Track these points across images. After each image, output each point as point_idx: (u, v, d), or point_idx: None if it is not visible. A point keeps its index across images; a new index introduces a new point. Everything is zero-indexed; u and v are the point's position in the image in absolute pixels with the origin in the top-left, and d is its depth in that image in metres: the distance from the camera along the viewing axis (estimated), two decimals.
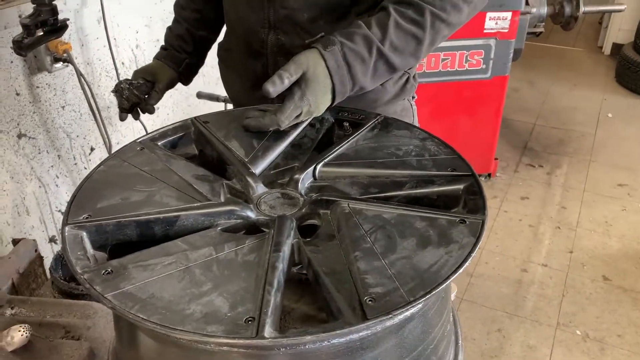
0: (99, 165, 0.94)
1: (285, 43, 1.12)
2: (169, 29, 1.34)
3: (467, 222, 0.80)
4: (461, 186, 0.88)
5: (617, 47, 4.80)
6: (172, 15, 1.36)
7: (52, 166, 1.92)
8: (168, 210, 0.82)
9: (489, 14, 2.60)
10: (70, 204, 0.84)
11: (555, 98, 4.30)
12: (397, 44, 0.99)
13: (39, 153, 1.86)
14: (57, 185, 1.95)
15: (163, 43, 1.34)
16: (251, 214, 0.84)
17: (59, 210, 1.98)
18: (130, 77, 1.26)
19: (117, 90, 1.19)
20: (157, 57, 1.31)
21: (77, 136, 1.99)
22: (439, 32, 1.03)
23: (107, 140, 1.98)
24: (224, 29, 1.33)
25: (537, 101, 4.24)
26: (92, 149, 2.06)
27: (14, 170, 1.78)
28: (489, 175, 3.27)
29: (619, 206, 3.05)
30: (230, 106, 1.97)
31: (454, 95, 2.83)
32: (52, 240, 1.96)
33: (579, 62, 4.97)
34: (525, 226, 2.92)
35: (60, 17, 1.63)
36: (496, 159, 3.25)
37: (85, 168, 2.06)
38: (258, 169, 0.94)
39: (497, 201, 3.11)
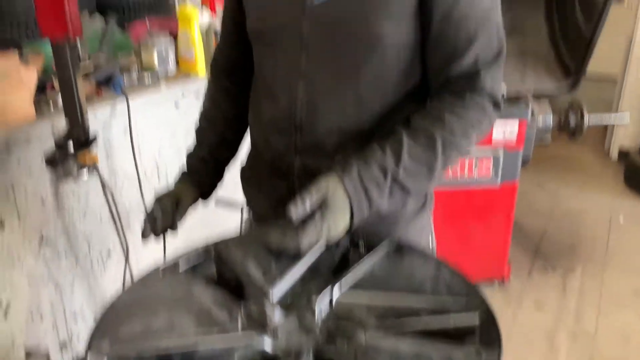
0: (122, 293, 0.97)
1: (311, 167, 1.16)
2: (190, 155, 1.38)
3: (483, 357, 0.81)
4: (476, 316, 0.91)
5: (624, 152, 4.88)
6: (194, 125, 1.41)
7: (69, 271, 1.95)
8: (187, 342, 0.84)
9: (496, 123, 2.70)
10: (93, 330, 0.86)
11: (565, 201, 4.34)
12: (411, 170, 1.05)
13: (58, 258, 1.90)
14: (72, 291, 1.97)
15: (185, 168, 1.37)
16: (268, 346, 0.85)
17: (73, 312, 1.99)
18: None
19: (151, 220, 1.23)
20: (179, 182, 1.35)
21: (96, 241, 2.04)
22: (449, 158, 1.09)
23: (125, 246, 2.02)
24: (247, 148, 1.39)
25: (547, 205, 4.28)
26: (109, 254, 2.10)
27: (31, 275, 1.81)
28: (502, 280, 3.24)
29: (636, 315, 2.98)
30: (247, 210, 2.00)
31: (464, 202, 2.88)
32: (63, 346, 1.95)
33: (586, 166, 5.05)
34: (541, 334, 2.85)
35: (90, 127, 1.73)
36: (509, 263, 3.24)
37: (102, 271, 2.08)
38: (275, 295, 0.96)
39: (511, 308, 3.05)
